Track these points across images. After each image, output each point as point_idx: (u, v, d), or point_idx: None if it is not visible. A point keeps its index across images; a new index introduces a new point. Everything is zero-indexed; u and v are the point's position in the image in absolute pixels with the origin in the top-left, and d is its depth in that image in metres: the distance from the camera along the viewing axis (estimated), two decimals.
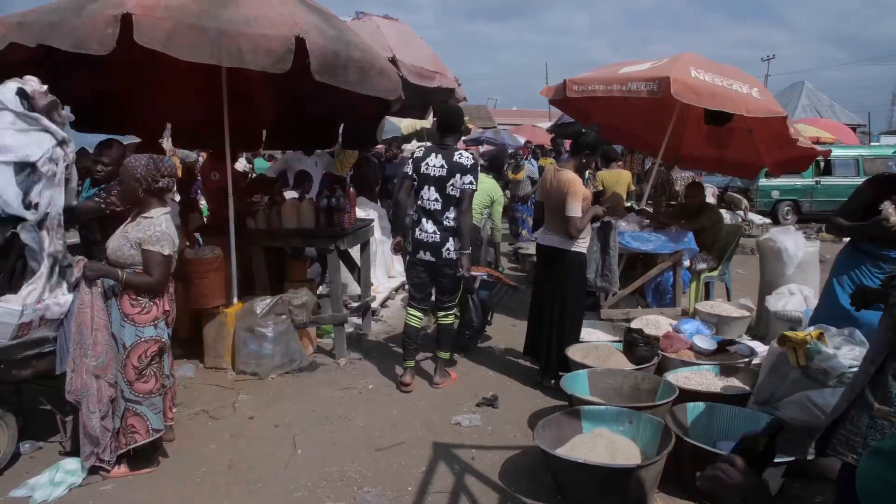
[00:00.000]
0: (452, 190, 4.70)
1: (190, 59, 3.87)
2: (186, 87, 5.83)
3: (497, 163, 8.28)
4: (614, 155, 8.83)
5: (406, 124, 14.31)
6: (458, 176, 4.68)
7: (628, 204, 7.82)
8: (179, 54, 3.81)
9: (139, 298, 3.51)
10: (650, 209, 7.28)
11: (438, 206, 4.72)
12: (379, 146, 12.07)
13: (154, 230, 3.47)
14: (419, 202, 4.81)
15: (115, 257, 3.52)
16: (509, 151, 15.31)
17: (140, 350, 3.51)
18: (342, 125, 6.58)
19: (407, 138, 15.22)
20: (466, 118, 7.30)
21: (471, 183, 4.70)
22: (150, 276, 3.48)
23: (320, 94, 5.41)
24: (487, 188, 6.72)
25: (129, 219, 3.63)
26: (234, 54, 3.86)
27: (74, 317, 3.49)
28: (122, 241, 3.50)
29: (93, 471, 3.55)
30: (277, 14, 4.14)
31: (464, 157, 4.71)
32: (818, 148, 6.24)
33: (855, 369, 3.57)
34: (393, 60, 6.05)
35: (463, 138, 15.74)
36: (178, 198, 6.74)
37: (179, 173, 10.78)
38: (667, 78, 5.42)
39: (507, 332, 6.46)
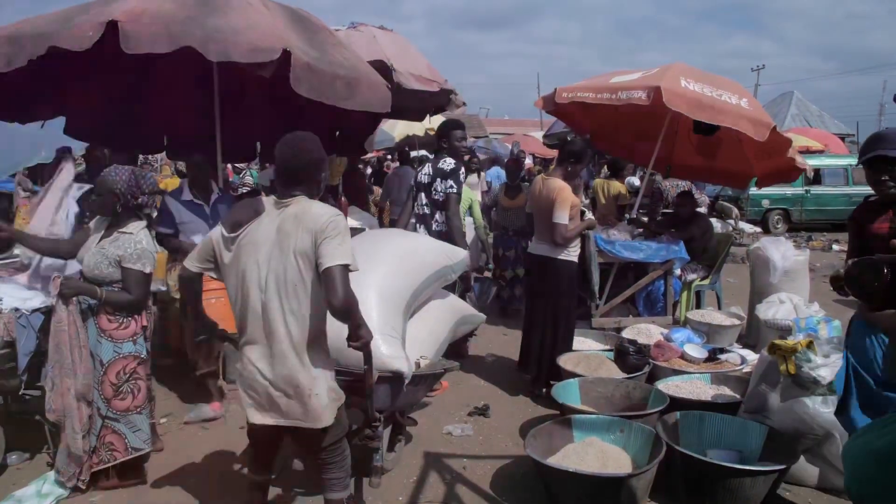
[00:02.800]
0: (436, 194, 4.93)
1: (179, 46, 3.77)
2: (180, 98, 5.81)
3: (467, 165, 8.66)
4: (621, 165, 8.80)
5: (399, 132, 14.33)
6: (439, 180, 4.92)
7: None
8: (167, 49, 3.75)
9: (117, 314, 3.44)
10: (644, 219, 7.30)
11: (427, 211, 4.99)
12: (370, 154, 12.05)
13: (134, 247, 3.39)
14: (415, 209, 5.11)
15: (92, 275, 3.41)
16: (503, 159, 15.11)
17: (118, 367, 3.44)
18: (337, 133, 6.57)
19: (399, 146, 15.24)
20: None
21: (451, 187, 4.86)
22: (129, 294, 3.41)
23: (316, 104, 5.41)
24: (463, 194, 6.76)
25: (102, 233, 3.52)
26: (220, 52, 3.83)
27: (52, 335, 3.39)
28: (100, 258, 3.40)
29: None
30: (267, 25, 4.12)
31: (446, 162, 4.92)
32: (799, 159, 6.24)
33: None
34: (390, 69, 6.06)
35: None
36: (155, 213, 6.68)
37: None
38: (657, 87, 5.45)
39: (499, 341, 6.46)
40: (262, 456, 2.88)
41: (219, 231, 2.62)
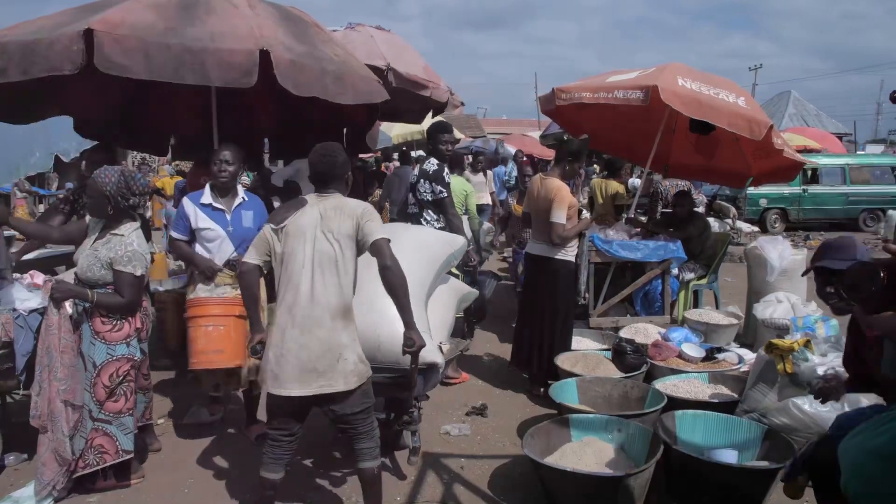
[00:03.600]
0: (420, 195, 5.24)
1: (152, 78, 3.79)
2: (188, 98, 5.78)
3: (457, 159, 8.79)
4: (618, 164, 8.77)
5: (396, 133, 14.32)
6: (422, 181, 5.24)
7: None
8: (141, 75, 3.74)
9: (111, 316, 3.42)
10: (642, 218, 7.30)
11: (416, 210, 5.30)
12: (366, 154, 11.99)
13: (126, 249, 3.37)
14: (408, 209, 5.44)
15: (84, 277, 3.40)
16: (506, 160, 14.95)
17: (111, 369, 3.42)
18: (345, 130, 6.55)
19: (398, 147, 15.23)
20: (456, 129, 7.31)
21: (441, 192, 5.15)
22: (121, 296, 3.39)
23: (321, 101, 5.40)
24: (456, 187, 6.78)
25: (97, 235, 3.51)
26: (197, 72, 3.78)
27: (42, 339, 3.37)
28: (93, 260, 3.38)
29: (78, 482, 3.49)
30: (245, 28, 4.08)
31: (429, 163, 5.26)
32: (798, 156, 6.24)
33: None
34: (388, 69, 6.06)
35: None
36: (149, 213, 6.58)
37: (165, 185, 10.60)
38: (655, 86, 5.44)
39: (497, 340, 6.46)
40: (282, 429, 2.99)
41: (268, 226, 3.00)
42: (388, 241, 2.90)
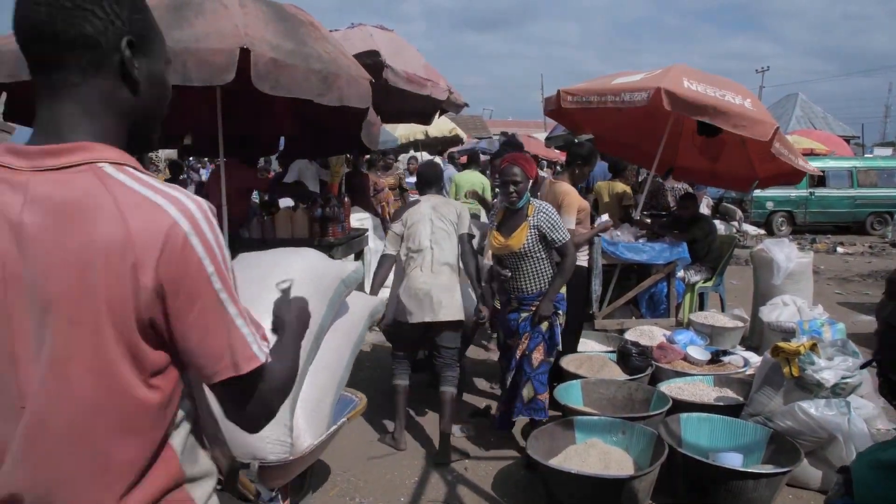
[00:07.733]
0: None
1: None
2: (203, 97, 5.77)
3: (475, 156, 9.42)
4: (622, 165, 8.73)
5: (400, 133, 14.32)
6: None
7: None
8: None
9: None
10: (647, 220, 7.27)
11: None
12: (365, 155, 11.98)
13: None
14: None
15: None
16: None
17: None
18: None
19: (404, 148, 15.22)
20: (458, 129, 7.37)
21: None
22: None
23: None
24: (476, 181, 7.09)
25: None
26: (178, 72, 3.81)
27: None
28: None
29: None
30: (231, 27, 4.09)
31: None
32: (800, 164, 6.18)
33: (848, 380, 3.58)
34: (381, 64, 6.03)
35: (458, 148, 15.77)
36: None
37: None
38: (659, 89, 5.43)
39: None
40: (405, 351, 4.28)
41: (396, 225, 4.31)
42: (472, 236, 4.34)
